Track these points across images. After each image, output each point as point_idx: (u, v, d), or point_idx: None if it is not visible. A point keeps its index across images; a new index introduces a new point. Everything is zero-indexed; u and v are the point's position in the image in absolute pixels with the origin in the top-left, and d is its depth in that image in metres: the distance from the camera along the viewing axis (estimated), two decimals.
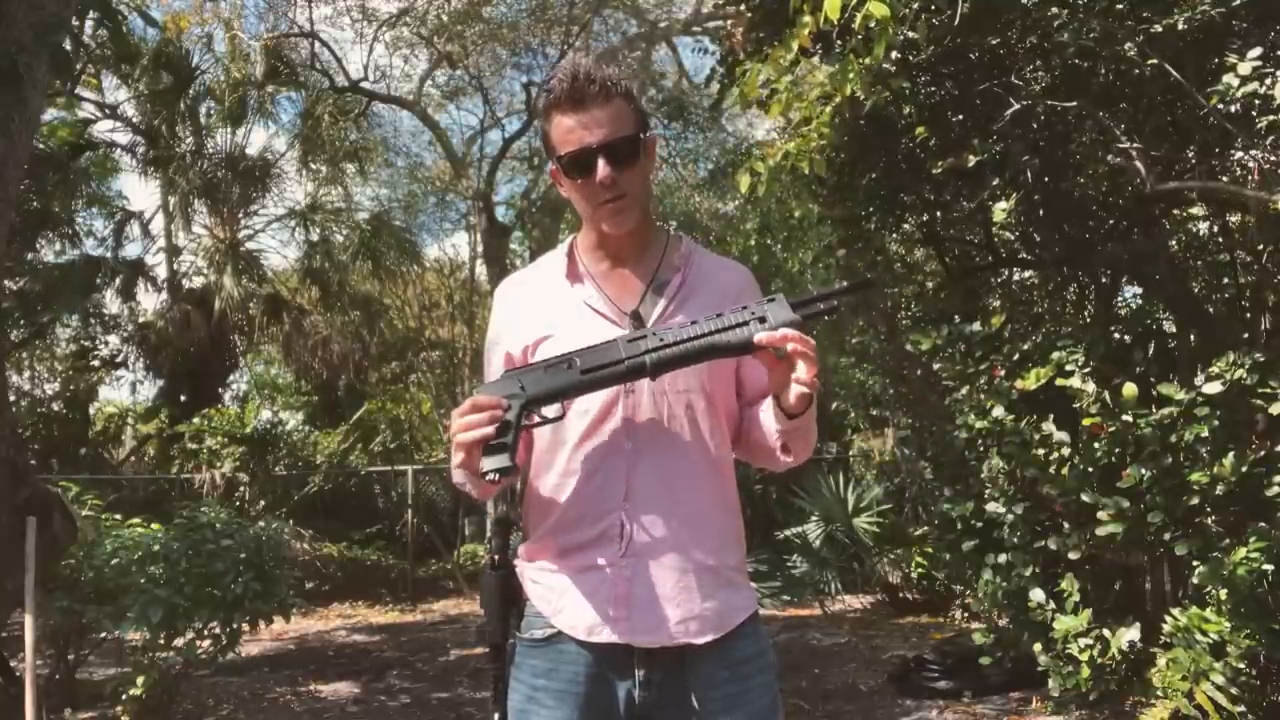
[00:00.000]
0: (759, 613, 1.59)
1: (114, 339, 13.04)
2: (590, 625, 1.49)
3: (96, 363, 12.95)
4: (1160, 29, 3.66)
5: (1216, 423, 3.61)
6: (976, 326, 4.48)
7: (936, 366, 4.69)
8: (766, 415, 1.51)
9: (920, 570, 7.94)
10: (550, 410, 1.47)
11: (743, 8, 5.03)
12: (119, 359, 13.01)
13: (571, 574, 1.51)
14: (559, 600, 1.52)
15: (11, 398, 9.83)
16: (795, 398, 1.40)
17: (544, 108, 1.54)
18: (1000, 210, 4.10)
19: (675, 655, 1.49)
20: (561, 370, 1.44)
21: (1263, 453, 3.65)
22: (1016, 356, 4.36)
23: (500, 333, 1.64)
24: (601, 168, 1.48)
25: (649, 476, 1.50)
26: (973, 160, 4.21)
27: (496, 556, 1.47)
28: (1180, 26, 3.62)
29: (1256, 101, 3.77)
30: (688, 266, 1.60)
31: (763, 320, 1.39)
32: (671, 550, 1.49)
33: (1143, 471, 3.77)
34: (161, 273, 13.41)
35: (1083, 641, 4.13)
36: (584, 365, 1.43)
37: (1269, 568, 3.46)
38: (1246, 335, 4.41)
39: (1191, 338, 4.69)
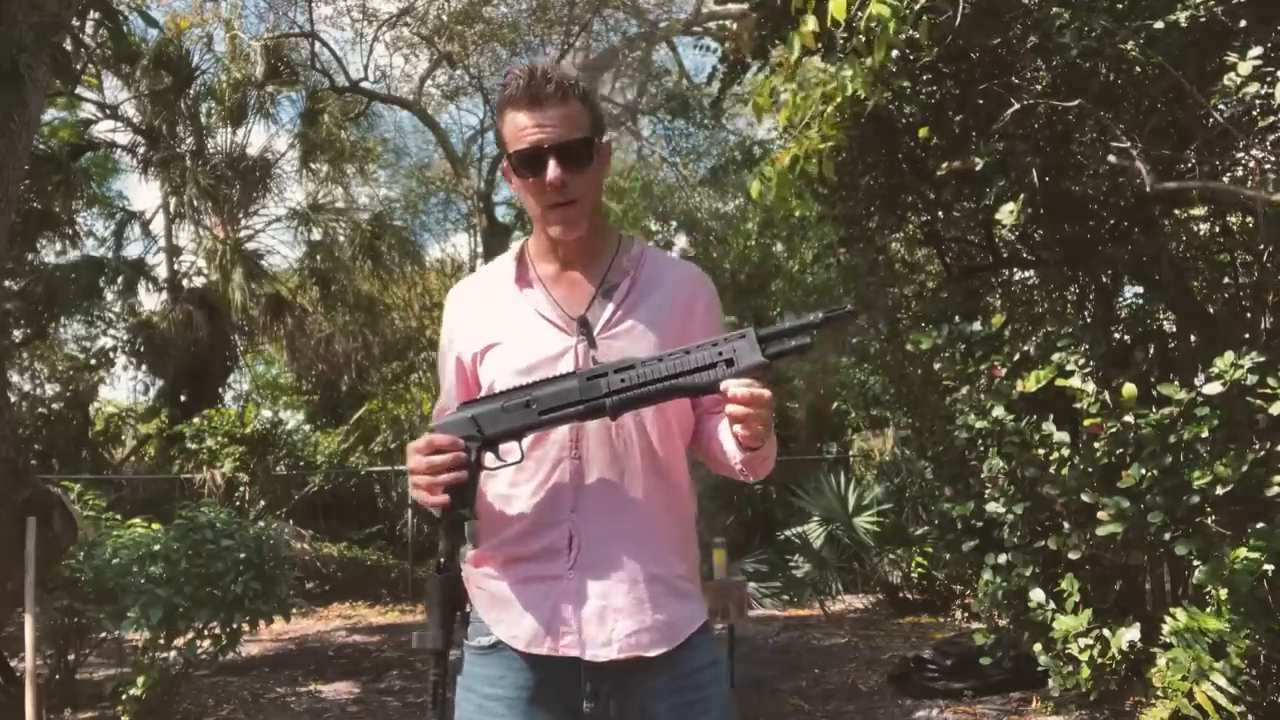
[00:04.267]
0: (709, 623, 1.57)
1: (115, 339, 13.05)
2: (531, 637, 1.47)
3: (99, 362, 12.95)
4: (1162, 26, 3.65)
5: (1216, 423, 3.60)
6: (977, 326, 4.48)
7: (936, 366, 4.69)
8: (726, 438, 1.48)
9: (920, 570, 7.94)
10: (508, 452, 1.46)
11: (745, 6, 5.03)
12: (119, 359, 13.01)
13: (517, 584, 1.50)
14: (502, 610, 1.50)
15: (11, 398, 9.84)
16: (743, 440, 1.39)
17: (499, 103, 1.52)
18: (1008, 213, 4.09)
19: (624, 667, 1.46)
20: (518, 410, 1.42)
21: (1263, 453, 3.64)
22: (1017, 357, 4.36)
23: (452, 339, 1.62)
24: (552, 169, 1.46)
25: (597, 488, 1.49)
26: (979, 164, 4.21)
27: (443, 560, 1.44)
28: (1182, 24, 3.62)
29: (1257, 101, 3.77)
30: (638, 269, 1.57)
31: (730, 363, 1.35)
32: (620, 562, 1.47)
33: (1143, 471, 3.77)
34: (162, 273, 13.43)
35: (1083, 641, 4.13)
36: (541, 407, 1.41)
37: (1269, 568, 3.46)
38: (1247, 335, 4.40)
39: (1192, 338, 4.69)
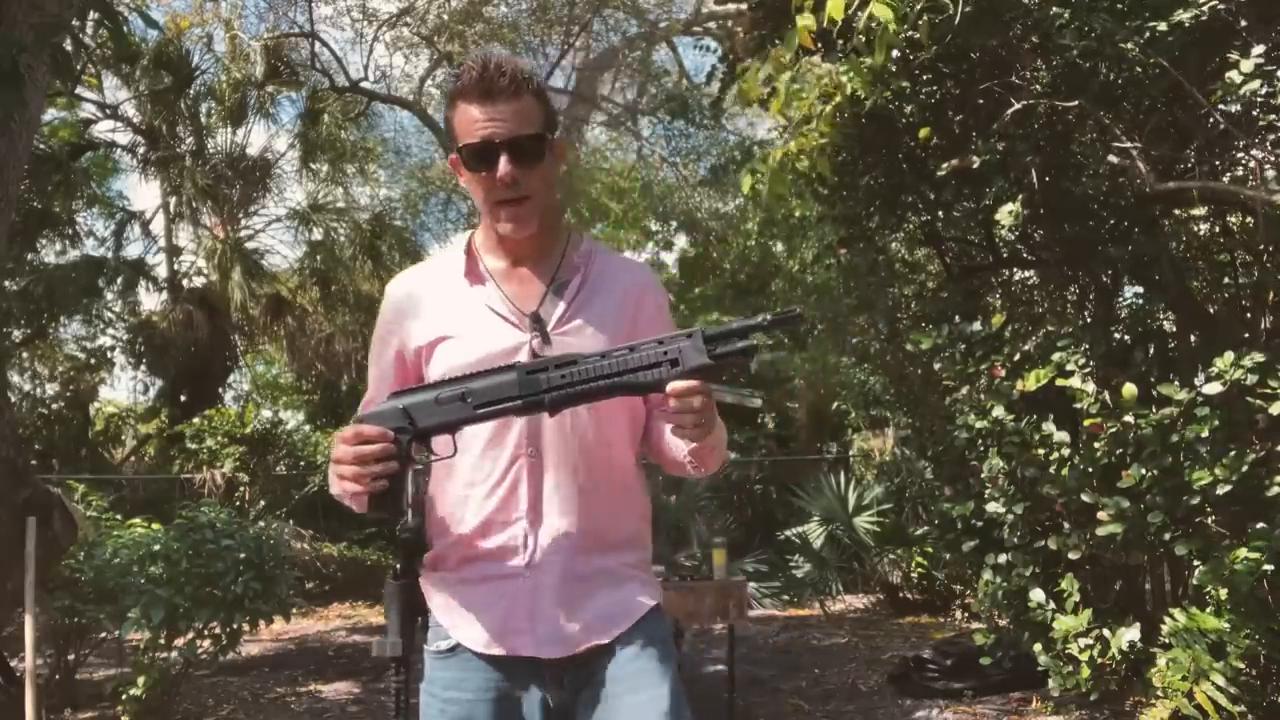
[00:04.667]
0: (660, 606, 1.57)
1: (114, 339, 13.05)
2: (489, 638, 1.46)
3: (99, 362, 12.95)
4: (1165, 27, 3.65)
5: (1217, 423, 3.60)
6: (977, 326, 4.48)
7: (936, 366, 4.69)
8: (673, 435, 1.46)
9: (920, 570, 7.94)
10: (441, 446, 1.42)
11: (744, 6, 5.03)
12: (119, 359, 13.02)
13: (472, 584, 1.49)
14: (459, 612, 1.49)
15: (12, 398, 9.84)
16: (686, 435, 1.37)
17: (450, 94, 1.49)
18: (1007, 213, 4.09)
19: (576, 662, 1.47)
20: (454, 403, 1.38)
21: (1263, 453, 3.64)
22: (1017, 356, 4.36)
23: (392, 331, 1.57)
24: (503, 164, 1.43)
25: (552, 485, 1.48)
26: (977, 162, 4.21)
27: (399, 566, 1.43)
28: (1185, 24, 3.61)
29: (1258, 101, 3.77)
30: (588, 266, 1.56)
31: (674, 364, 1.32)
32: (574, 559, 1.47)
33: (1143, 471, 3.77)
34: (162, 273, 13.44)
35: (1083, 641, 4.13)
36: (477, 400, 1.37)
37: (1269, 568, 3.46)
38: (1247, 335, 4.40)
39: (1192, 338, 4.69)
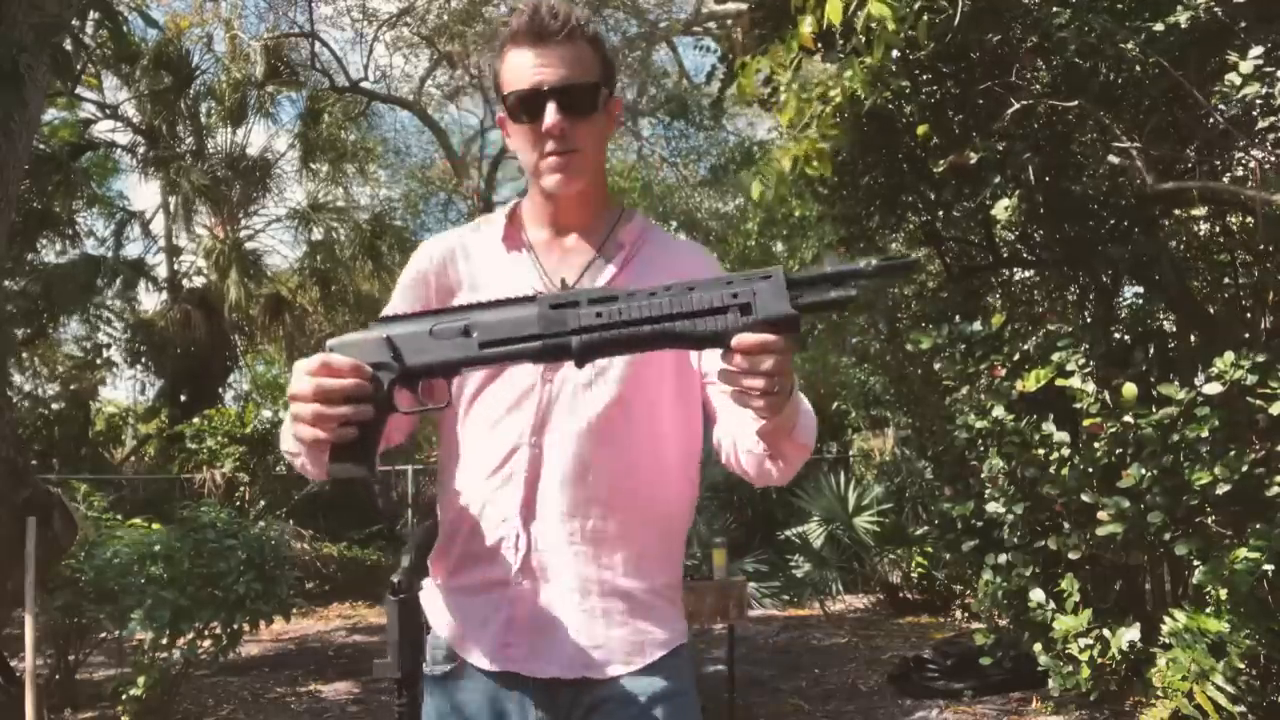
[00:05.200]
0: (685, 646, 1.35)
1: (114, 339, 13.06)
2: (485, 652, 1.30)
3: (99, 361, 12.96)
4: (1162, 27, 3.65)
5: (1217, 423, 3.60)
6: (977, 326, 4.48)
7: (936, 366, 4.69)
8: (738, 415, 1.21)
9: (920, 570, 7.94)
10: (434, 395, 1.17)
11: (744, 6, 5.03)
12: (119, 359, 13.02)
13: (469, 592, 1.33)
14: (454, 623, 1.34)
15: (12, 398, 9.84)
16: (754, 409, 1.09)
17: (499, 44, 1.33)
18: (1002, 209, 4.09)
19: (578, 686, 1.29)
20: (453, 337, 1.10)
21: (1263, 453, 3.65)
22: (1017, 356, 4.36)
23: (418, 282, 1.40)
24: (551, 113, 1.27)
25: (555, 482, 1.29)
26: (974, 158, 4.21)
27: (398, 579, 1.23)
28: (1183, 25, 3.62)
29: (1258, 101, 3.77)
30: (640, 243, 1.38)
31: (745, 310, 1.04)
32: (574, 569, 1.28)
33: (1143, 471, 3.77)
34: (162, 273, 13.45)
35: (1083, 641, 4.13)
36: (485, 337, 1.09)
37: (1269, 568, 3.46)
38: (1247, 335, 4.41)
39: (1192, 338, 4.69)
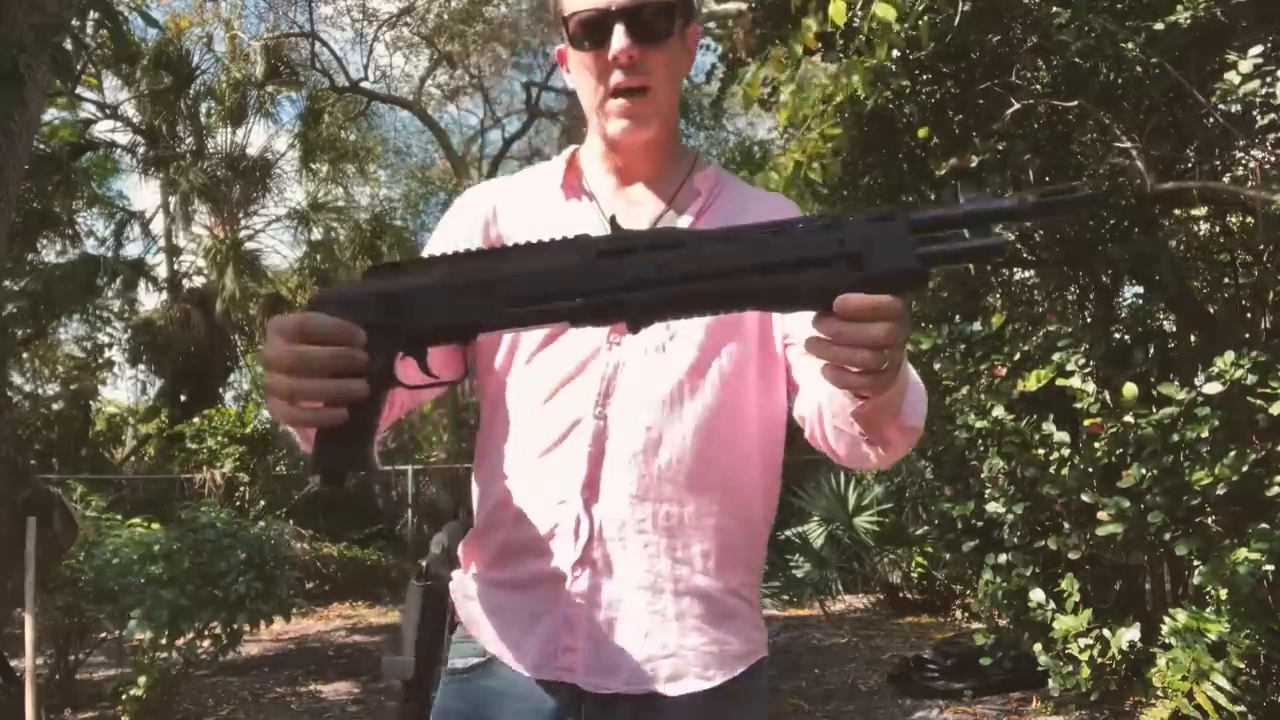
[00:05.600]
0: (764, 661, 1.18)
1: (114, 339, 13.07)
2: (526, 655, 1.12)
3: (99, 361, 12.96)
4: (1162, 26, 3.65)
5: (1217, 423, 3.60)
6: (977, 326, 4.48)
7: (936, 366, 4.69)
8: (829, 388, 0.96)
9: (920, 570, 7.94)
10: (444, 365, 0.99)
11: (744, 6, 5.03)
12: (119, 358, 13.03)
13: (513, 587, 1.14)
14: (493, 622, 1.15)
15: (13, 398, 9.84)
16: (850, 386, 0.88)
17: None
18: None
19: (638, 704, 1.10)
20: (471, 294, 0.86)
21: (1263, 453, 3.65)
22: (1017, 356, 4.36)
23: (458, 232, 1.21)
24: (619, 37, 1.09)
25: (624, 458, 1.10)
26: (975, 161, 4.21)
27: (426, 564, 1.10)
28: (1184, 23, 3.62)
29: (1258, 101, 3.77)
30: (714, 193, 1.21)
31: (855, 263, 0.80)
32: (643, 562, 1.10)
33: (1143, 471, 3.77)
34: (162, 272, 13.46)
35: (1083, 641, 4.13)
36: (513, 293, 0.85)
37: (1269, 568, 3.46)
38: (1247, 335, 4.41)
39: (1192, 338, 4.69)
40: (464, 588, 1.20)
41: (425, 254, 1.09)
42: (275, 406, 0.86)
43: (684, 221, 1.17)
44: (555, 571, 1.11)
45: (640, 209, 1.19)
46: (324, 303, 0.88)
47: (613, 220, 0.93)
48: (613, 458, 1.10)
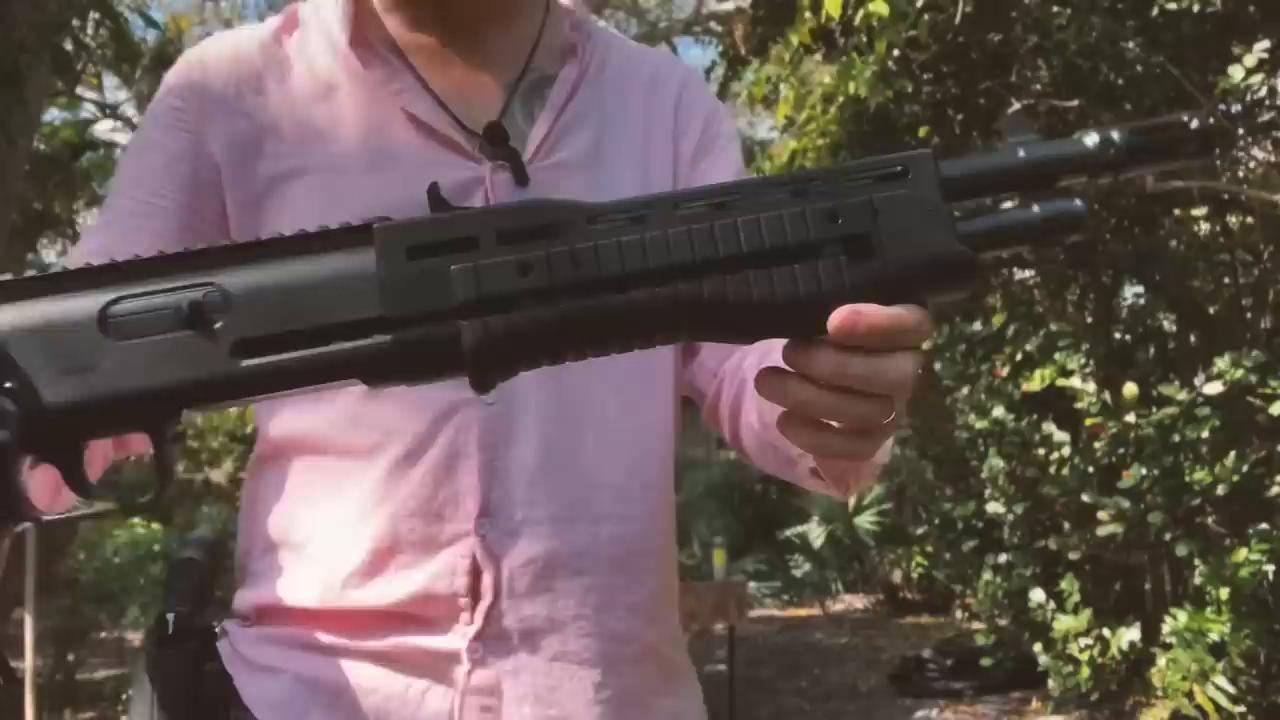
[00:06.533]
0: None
1: None
2: None
3: None
4: (1175, 7, 3.63)
5: (1217, 423, 3.60)
6: (977, 326, 4.48)
7: (937, 367, 4.69)
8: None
9: (920, 570, 7.94)
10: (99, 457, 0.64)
11: (745, 5, 5.04)
12: None
13: (356, 661, 0.70)
14: (321, 715, 0.70)
15: None
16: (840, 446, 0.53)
17: None
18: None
19: None
20: (167, 335, 0.47)
21: (1263, 453, 3.65)
22: (1018, 357, 4.36)
23: (179, 130, 0.74)
24: None
25: (533, 462, 0.71)
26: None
27: (173, 616, 0.69)
28: (1194, 9, 3.60)
29: (1259, 101, 3.77)
30: (588, 52, 0.80)
31: (858, 247, 0.48)
32: (585, 621, 0.71)
33: (1143, 471, 3.77)
34: None
35: (1083, 641, 4.13)
36: (245, 331, 0.47)
37: (1270, 568, 3.46)
38: (1247, 335, 4.41)
39: (1192, 338, 4.69)
40: (253, 658, 0.72)
41: (131, 147, 0.76)
42: None
43: (555, 101, 0.77)
44: (429, 647, 0.70)
45: (479, 79, 0.77)
46: None
47: (492, 129, 0.67)
48: (518, 463, 0.70)
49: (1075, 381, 4.06)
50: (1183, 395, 3.70)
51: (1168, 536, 3.83)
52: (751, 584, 7.66)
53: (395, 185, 0.70)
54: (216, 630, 0.74)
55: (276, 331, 0.47)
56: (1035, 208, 0.51)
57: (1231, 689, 3.61)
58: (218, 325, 0.47)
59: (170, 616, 0.70)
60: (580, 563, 0.71)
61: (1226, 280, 5.03)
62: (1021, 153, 0.52)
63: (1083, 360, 4.10)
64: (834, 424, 0.50)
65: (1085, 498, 3.99)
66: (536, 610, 0.71)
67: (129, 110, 12.67)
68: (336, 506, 0.72)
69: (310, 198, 0.72)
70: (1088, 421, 4.01)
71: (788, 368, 0.50)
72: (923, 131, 4.37)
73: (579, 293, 0.47)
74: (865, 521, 8.33)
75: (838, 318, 0.46)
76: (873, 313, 0.46)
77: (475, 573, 0.70)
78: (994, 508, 4.40)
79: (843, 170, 0.53)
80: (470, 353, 0.47)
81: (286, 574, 0.73)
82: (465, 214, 0.49)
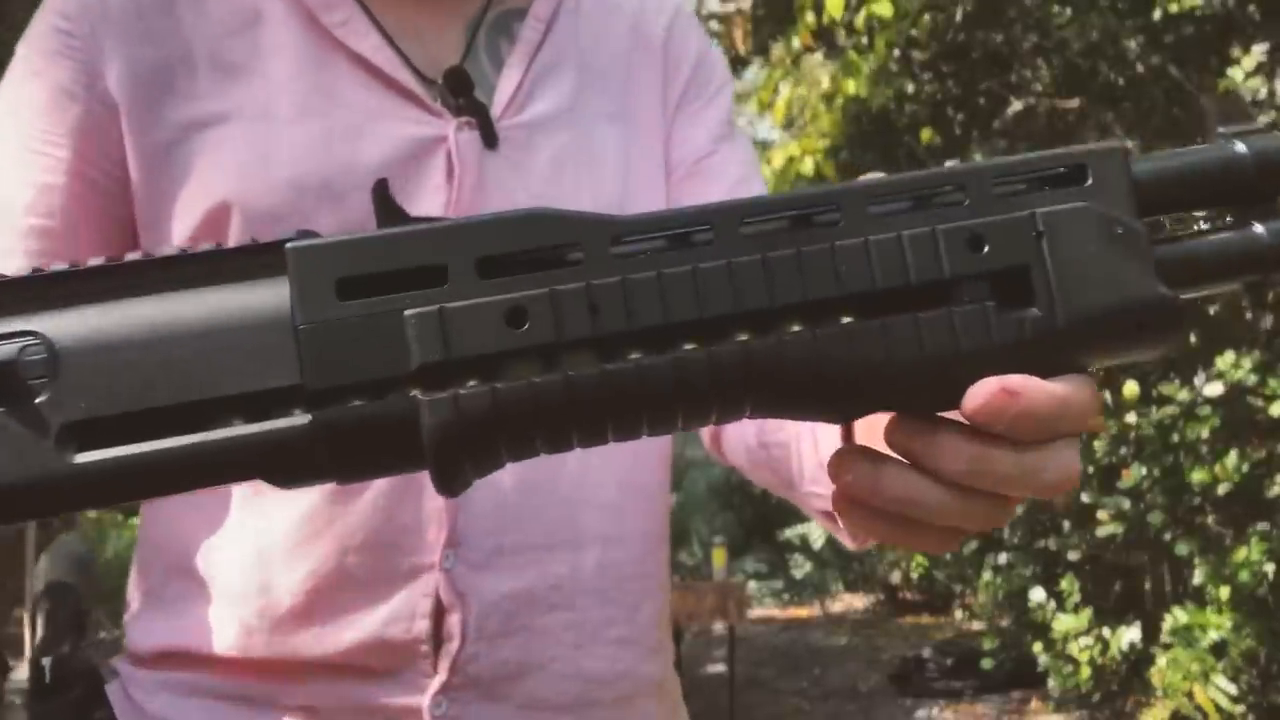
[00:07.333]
0: None
1: None
2: None
3: None
4: (1176, 8, 3.63)
5: (1217, 423, 3.61)
6: None
7: None
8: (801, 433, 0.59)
9: (920, 570, 7.94)
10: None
11: (745, 5, 5.04)
12: None
13: (288, 713, 0.60)
14: None
15: None
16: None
17: None
18: None
19: None
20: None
21: (1264, 453, 3.65)
22: None
23: (66, 59, 0.59)
24: None
25: (506, 483, 0.60)
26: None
27: (49, 661, 0.61)
28: (1197, 11, 3.60)
29: (1259, 100, 3.77)
30: None
31: (1021, 291, 0.33)
32: (561, 663, 0.62)
33: (1143, 471, 3.77)
34: None
35: (1083, 641, 4.13)
36: (100, 407, 0.30)
37: (1270, 568, 3.47)
38: (1247, 335, 4.41)
39: (1192, 338, 4.70)
40: (153, 708, 0.61)
41: (28, 87, 0.59)
42: None
43: (516, 48, 0.65)
44: (386, 701, 0.59)
45: (434, 15, 0.65)
46: None
47: (453, 75, 0.57)
48: (485, 485, 0.50)
49: None
50: (1183, 395, 3.70)
51: (1168, 536, 3.84)
52: (751, 584, 7.67)
53: (334, 140, 0.58)
54: (103, 672, 0.61)
55: (130, 409, 0.30)
56: (1258, 227, 0.36)
57: (1232, 689, 3.61)
58: (39, 400, 0.30)
59: (46, 662, 0.55)
60: (557, 596, 0.61)
61: None
62: (1241, 147, 0.36)
63: None
64: (941, 522, 0.35)
65: (1085, 497, 3.99)
66: (509, 655, 0.60)
67: None
68: (262, 535, 0.58)
69: (231, 149, 0.58)
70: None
71: (888, 451, 0.35)
72: (924, 132, 4.38)
73: (598, 353, 0.32)
74: None
75: (981, 395, 0.32)
76: (1033, 391, 0.32)
77: (439, 614, 0.58)
78: None
79: (991, 168, 0.35)
80: (432, 443, 0.30)
81: (195, 611, 0.59)
82: (429, 229, 0.32)
